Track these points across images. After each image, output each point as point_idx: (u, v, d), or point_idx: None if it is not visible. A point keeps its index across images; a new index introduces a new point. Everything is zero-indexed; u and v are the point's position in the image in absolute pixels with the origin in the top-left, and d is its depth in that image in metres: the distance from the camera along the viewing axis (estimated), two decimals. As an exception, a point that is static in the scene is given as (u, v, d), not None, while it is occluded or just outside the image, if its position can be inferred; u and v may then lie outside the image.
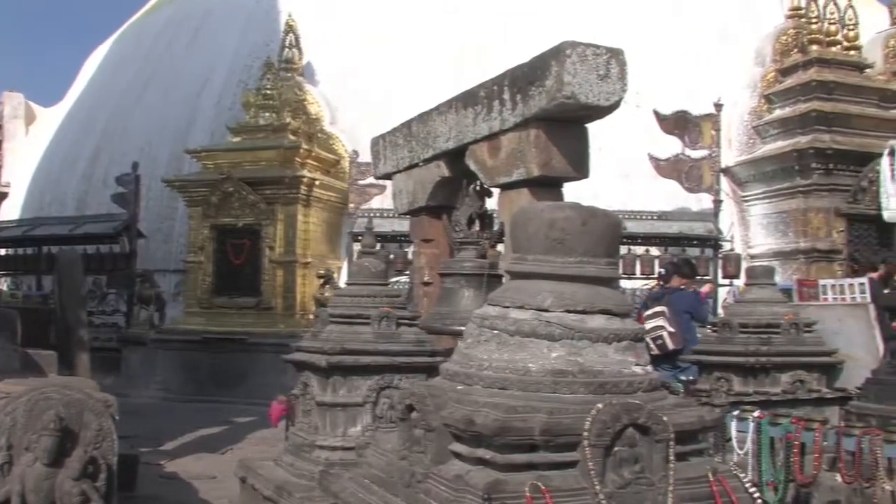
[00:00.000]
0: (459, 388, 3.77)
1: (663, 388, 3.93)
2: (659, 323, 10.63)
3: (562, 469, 3.50)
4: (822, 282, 10.94)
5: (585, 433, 3.42)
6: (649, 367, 3.85)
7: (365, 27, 21.24)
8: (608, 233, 3.91)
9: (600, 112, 8.25)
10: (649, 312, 10.85)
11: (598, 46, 8.04)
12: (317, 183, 18.20)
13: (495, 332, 3.82)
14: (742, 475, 3.90)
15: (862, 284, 10.37)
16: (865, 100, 17.60)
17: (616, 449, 3.49)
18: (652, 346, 10.48)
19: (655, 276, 15.24)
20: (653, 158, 17.19)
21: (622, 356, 3.75)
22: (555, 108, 8.14)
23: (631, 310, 4.00)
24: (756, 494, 3.84)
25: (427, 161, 10.53)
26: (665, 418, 3.54)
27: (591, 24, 16.74)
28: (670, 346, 10.45)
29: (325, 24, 21.45)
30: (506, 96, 8.81)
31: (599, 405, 3.47)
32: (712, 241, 17.01)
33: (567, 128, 8.56)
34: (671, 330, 10.52)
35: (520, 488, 3.37)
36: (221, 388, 16.47)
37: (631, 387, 3.68)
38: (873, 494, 5.87)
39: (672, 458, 3.54)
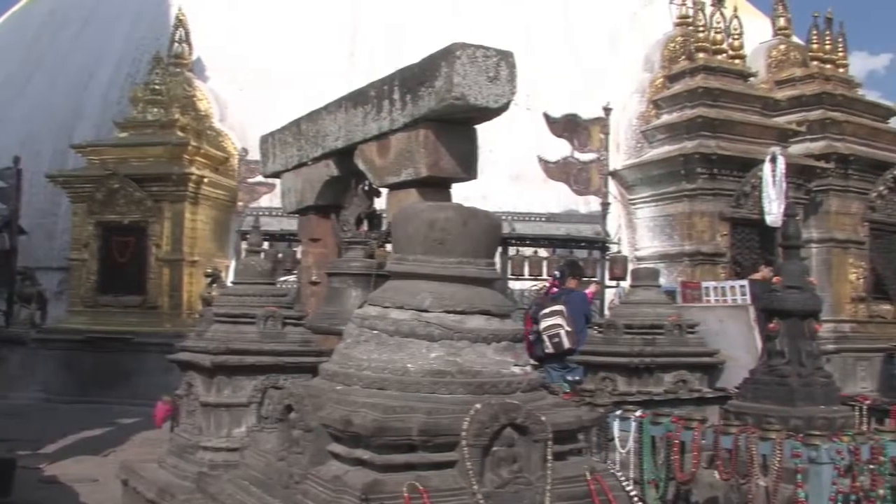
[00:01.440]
0: (338, 388, 3.75)
1: (542, 388, 3.96)
2: (557, 321, 10.74)
3: (440, 469, 3.50)
4: (704, 284, 11.16)
5: (464, 433, 3.43)
6: (528, 368, 3.88)
7: (256, 23, 21.00)
8: (489, 234, 3.93)
9: (489, 114, 8.29)
10: (546, 311, 10.95)
11: (487, 48, 8.08)
12: (205, 180, 17.96)
13: (375, 332, 3.81)
14: (620, 474, 3.96)
15: (743, 286, 10.60)
16: (749, 107, 18.04)
17: (494, 449, 3.51)
18: (548, 343, 10.63)
19: (548, 277, 15.38)
20: (542, 161, 17.30)
21: (501, 356, 3.76)
22: (444, 109, 8.16)
23: (511, 310, 4.02)
24: (633, 492, 3.90)
25: (316, 160, 10.47)
26: (543, 418, 3.56)
27: (483, 26, 16.83)
28: (566, 344, 10.57)
29: (215, 20, 21.15)
30: (396, 96, 8.79)
31: (478, 405, 3.48)
32: (600, 243, 17.19)
33: (456, 129, 8.59)
34: (569, 329, 10.64)
35: (398, 489, 3.36)
36: (105, 388, 16.12)
37: (509, 387, 3.70)
38: (748, 490, 6.00)
39: (550, 457, 3.57)
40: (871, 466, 5.85)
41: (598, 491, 3.65)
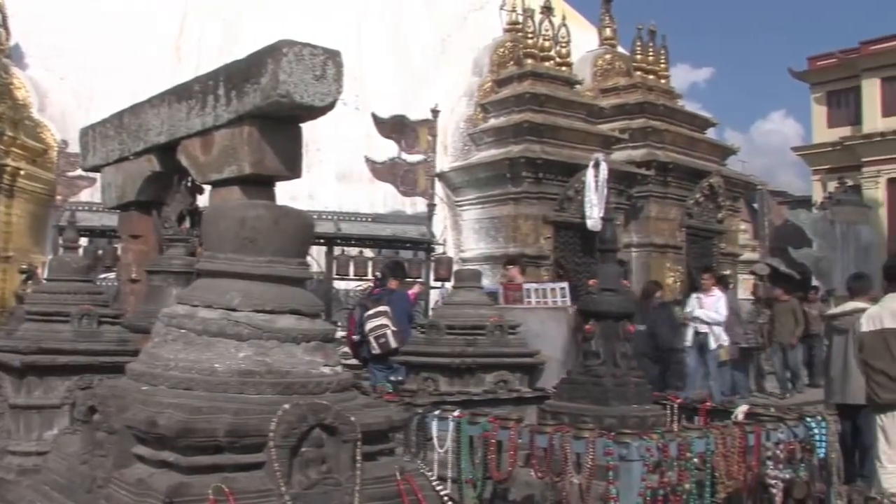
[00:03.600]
0: (144, 388, 3.66)
1: (353, 389, 3.95)
2: (382, 322, 10.78)
3: (248, 470, 3.45)
4: (526, 286, 11.36)
5: (271, 434, 3.40)
6: (339, 368, 3.87)
7: (80, 10, 20.36)
8: (301, 233, 3.90)
9: (315, 112, 8.25)
10: (371, 312, 10.97)
11: (315, 47, 8.03)
12: (21, 172, 17.34)
13: (183, 331, 3.74)
14: (431, 474, 3.98)
15: (563, 289, 10.84)
16: (574, 114, 18.45)
17: (303, 450, 3.48)
18: (374, 344, 10.65)
19: (372, 277, 15.39)
20: (369, 161, 17.31)
21: (311, 356, 3.74)
22: (269, 107, 8.08)
23: (321, 310, 4.00)
24: (444, 492, 3.93)
25: (138, 154, 10.21)
26: (353, 418, 3.56)
27: (313, 25, 16.73)
28: (393, 343, 10.62)
29: (36, 4, 20.40)
30: (221, 92, 8.66)
31: (286, 406, 3.44)
32: (425, 245, 17.29)
33: (281, 127, 8.51)
34: (394, 329, 10.69)
35: (203, 491, 3.30)
36: None
37: (319, 387, 3.68)
38: (562, 488, 6.13)
39: (359, 457, 3.56)
40: (679, 462, 6.05)
41: (408, 491, 3.66)
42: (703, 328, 15.02)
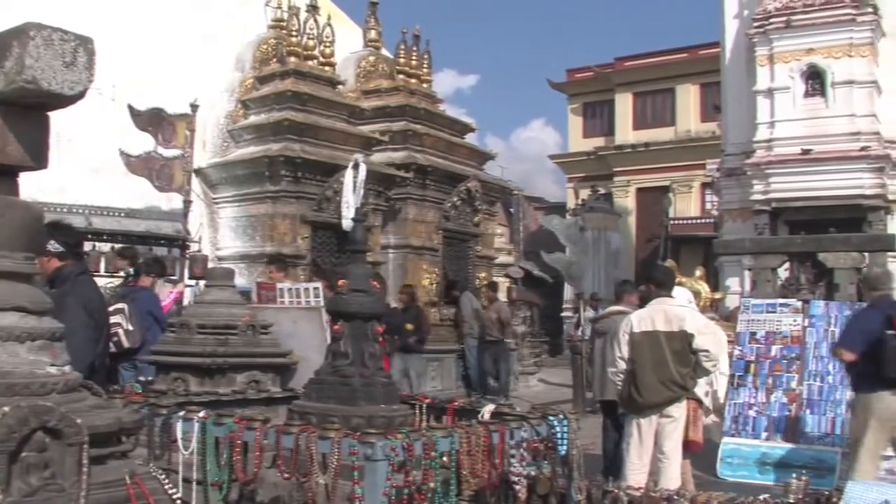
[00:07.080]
0: None
1: (83, 389, 3.81)
2: (116, 320, 10.45)
3: (-37, 478, 3.28)
4: (279, 285, 11.28)
5: (-11, 438, 3.24)
6: (67, 368, 3.72)
7: None
8: (29, 226, 3.75)
9: (64, 101, 7.87)
10: (109, 310, 10.64)
11: (66, 32, 7.67)
12: None
13: None
14: (163, 477, 3.89)
15: (317, 289, 10.81)
16: (336, 114, 18.46)
17: (24, 454, 3.31)
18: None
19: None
20: (124, 154, 16.77)
21: (36, 356, 3.58)
22: (13, 92, 7.65)
23: (49, 307, 3.83)
24: (176, 495, 3.85)
25: None
26: (79, 421, 3.43)
27: (69, 12, 16.05)
28: (125, 343, 10.32)
29: None
30: (-39, 75, 8.21)
31: (6, 408, 3.28)
32: (180, 242, 16.92)
33: (27, 114, 8.06)
34: (128, 328, 10.39)
35: None
36: None
37: (44, 388, 3.52)
38: (309, 488, 6.13)
39: (86, 461, 3.44)
40: (424, 461, 6.14)
41: (138, 495, 3.57)
42: None
